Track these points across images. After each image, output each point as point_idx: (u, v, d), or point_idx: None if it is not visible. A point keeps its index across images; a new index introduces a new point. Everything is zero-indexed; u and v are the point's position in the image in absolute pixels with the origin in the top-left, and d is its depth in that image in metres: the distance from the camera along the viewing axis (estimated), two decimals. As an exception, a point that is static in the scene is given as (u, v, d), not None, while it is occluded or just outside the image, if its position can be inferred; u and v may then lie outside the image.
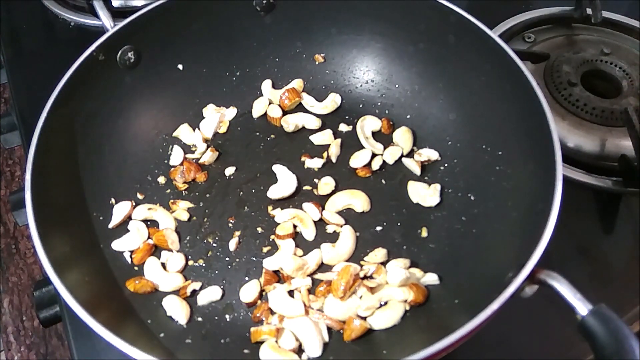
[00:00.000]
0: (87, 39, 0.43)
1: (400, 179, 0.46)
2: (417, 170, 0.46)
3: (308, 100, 0.51)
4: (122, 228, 0.42)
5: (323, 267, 0.41)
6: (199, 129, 0.49)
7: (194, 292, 0.40)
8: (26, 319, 1.03)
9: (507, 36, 0.59)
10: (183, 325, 0.38)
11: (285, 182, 0.45)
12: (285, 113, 0.50)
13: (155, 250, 0.42)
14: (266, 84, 0.51)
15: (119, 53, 0.45)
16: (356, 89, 0.52)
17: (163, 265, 0.41)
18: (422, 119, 0.49)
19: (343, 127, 0.49)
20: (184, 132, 0.49)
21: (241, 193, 0.46)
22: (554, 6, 0.61)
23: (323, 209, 0.43)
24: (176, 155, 0.47)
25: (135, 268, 0.41)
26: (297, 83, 0.51)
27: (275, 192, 0.44)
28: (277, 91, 0.51)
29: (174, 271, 0.41)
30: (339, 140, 0.48)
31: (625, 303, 0.42)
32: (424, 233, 0.43)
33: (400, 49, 0.49)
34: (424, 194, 0.44)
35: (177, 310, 0.38)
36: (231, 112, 0.51)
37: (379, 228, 0.43)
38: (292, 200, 0.45)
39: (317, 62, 0.52)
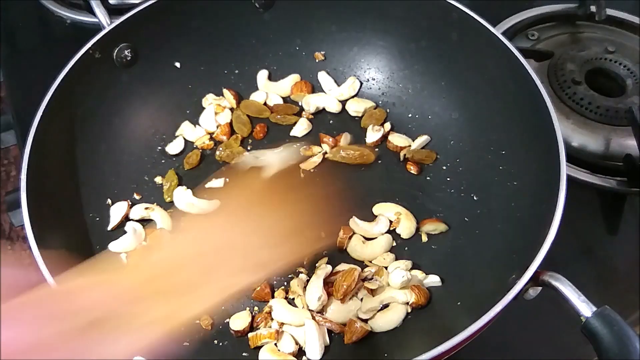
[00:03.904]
0: (83, 37, 0.43)
1: (401, 179, 0.45)
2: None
3: (327, 84, 0.50)
4: (119, 229, 0.42)
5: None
6: (199, 124, 0.49)
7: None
8: (24, 319, 1.02)
9: (511, 34, 0.58)
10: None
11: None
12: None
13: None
14: (262, 75, 0.51)
15: (116, 51, 0.44)
16: (357, 87, 0.51)
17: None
18: (424, 117, 0.48)
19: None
20: (186, 129, 0.48)
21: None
22: (557, 3, 0.60)
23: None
24: (177, 144, 0.47)
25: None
26: (293, 79, 0.51)
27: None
28: (273, 83, 0.51)
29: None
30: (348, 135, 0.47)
31: (629, 305, 0.41)
32: (426, 235, 0.42)
33: (402, 46, 0.49)
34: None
35: None
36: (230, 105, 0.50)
37: (380, 228, 0.43)
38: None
39: (317, 60, 0.52)
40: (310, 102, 0.49)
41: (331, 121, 0.50)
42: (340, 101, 0.50)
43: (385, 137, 0.48)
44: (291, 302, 0.39)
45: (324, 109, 0.50)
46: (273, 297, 0.39)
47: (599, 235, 0.46)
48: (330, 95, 0.50)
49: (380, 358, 0.36)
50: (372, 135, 0.47)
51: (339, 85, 0.51)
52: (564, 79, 0.53)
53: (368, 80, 0.51)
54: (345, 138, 0.47)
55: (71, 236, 0.38)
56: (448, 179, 0.45)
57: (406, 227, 0.42)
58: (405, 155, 0.46)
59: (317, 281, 0.38)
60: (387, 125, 0.48)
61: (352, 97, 0.50)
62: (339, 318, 0.37)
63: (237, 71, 0.51)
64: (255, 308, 0.39)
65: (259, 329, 0.37)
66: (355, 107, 0.49)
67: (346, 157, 0.46)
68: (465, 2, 0.44)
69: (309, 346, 0.36)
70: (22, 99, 0.56)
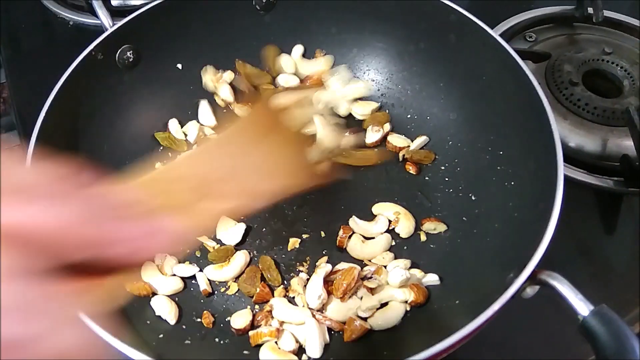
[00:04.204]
0: (86, 38, 0.43)
1: (400, 179, 0.46)
2: (413, 170, 0.46)
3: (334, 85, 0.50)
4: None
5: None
6: (200, 123, 0.49)
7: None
8: (25, 319, 1.02)
9: (508, 35, 0.58)
10: (173, 324, 0.38)
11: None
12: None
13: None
14: (297, 50, 0.50)
15: (118, 52, 0.45)
16: (356, 89, 0.51)
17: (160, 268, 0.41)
18: (422, 118, 0.48)
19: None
20: (191, 129, 0.49)
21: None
22: (555, 5, 0.61)
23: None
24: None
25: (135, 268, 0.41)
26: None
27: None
28: (304, 61, 0.50)
29: (171, 274, 0.41)
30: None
31: (626, 303, 0.42)
32: (424, 234, 0.43)
33: (401, 48, 0.49)
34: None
35: (165, 310, 0.38)
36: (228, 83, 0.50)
37: (379, 228, 0.43)
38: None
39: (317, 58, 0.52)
40: (322, 99, 0.49)
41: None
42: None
43: (384, 137, 0.48)
44: (291, 300, 0.39)
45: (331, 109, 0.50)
46: (273, 296, 0.39)
47: (596, 234, 0.46)
48: (341, 97, 0.50)
49: (379, 356, 0.36)
50: (372, 135, 0.48)
51: (343, 87, 0.51)
52: (561, 80, 0.53)
53: (367, 81, 0.51)
54: (348, 139, 0.48)
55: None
56: (446, 179, 0.45)
57: (405, 227, 0.42)
58: (404, 155, 0.47)
59: (317, 280, 0.38)
60: (387, 126, 0.49)
61: (357, 99, 0.50)
62: (338, 316, 0.38)
63: (238, 72, 0.52)
64: (256, 307, 0.39)
65: (260, 327, 0.37)
66: (362, 110, 0.49)
67: (349, 158, 0.46)
68: (463, 4, 0.44)
69: (309, 344, 0.36)
70: (25, 100, 0.56)
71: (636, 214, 0.47)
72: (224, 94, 0.49)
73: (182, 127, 0.49)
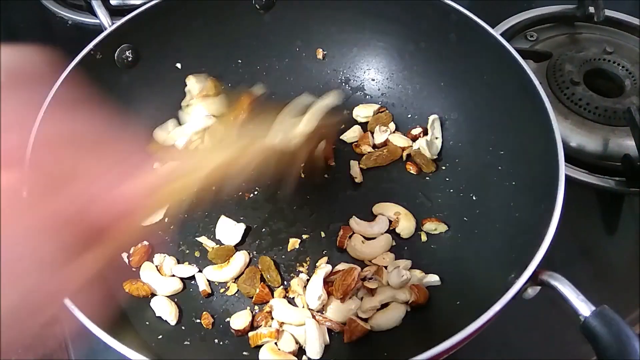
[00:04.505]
0: (85, 38, 0.43)
1: (401, 179, 0.46)
2: (413, 170, 0.46)
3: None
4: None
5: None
6: (193, 126, 0.49)
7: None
8: (25, 319, 1.02)
9: (509, 35, 0.58)
10: (173, 325, 0.37)
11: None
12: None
13: (153, 252, 0.42)
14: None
15: (117, 52, 0.45)
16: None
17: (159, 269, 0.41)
18: (423, 118, 0.48)
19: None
20: (179, 135, 0.48)
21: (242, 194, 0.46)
22: (556, 5, 0.61)
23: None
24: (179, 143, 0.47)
25: (134, 269, 0.40)
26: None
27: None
28: None
29: (170, 274, 0.40)
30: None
31: (627, 304, 0.41)
32: (425, 235, 0.42)
33: (402, 47, 0.49)
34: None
35: (165, 310, 0.38)
36: None
37: (379, 228, 0.43)
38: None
39: (318, 56, 0.52)
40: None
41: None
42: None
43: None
44: (291, 301, 0.39)
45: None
46: (273, 296, 0.39)
47: (597, 235, 0.46)
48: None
49: (380, 357, 0.36)
50: (380, 136, 0.47)
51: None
52: (562, 80, 0.53)
53: (368, 81, 0.51)
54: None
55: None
56: (447, 179, 0.45)
57: (406, 227, 0.42)
58: (408, 154, 0.46)
59: (317, 280, 0.38)
60: (392, 126, 0.48)
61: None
62: (338, 317, 0.37)
63: (238, 71, 0.51)
64: (256, 307, 0.39)
65: (260, 328, 0.37)
66: (364, 113, 0.49)
67: (378, 159, 0.46)
68: (464, 4, 0.44)
69: (309, 345, 0.36)
70: (23, 100, 0.56)
71: (637, 214, 0.47)
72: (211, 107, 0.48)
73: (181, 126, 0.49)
